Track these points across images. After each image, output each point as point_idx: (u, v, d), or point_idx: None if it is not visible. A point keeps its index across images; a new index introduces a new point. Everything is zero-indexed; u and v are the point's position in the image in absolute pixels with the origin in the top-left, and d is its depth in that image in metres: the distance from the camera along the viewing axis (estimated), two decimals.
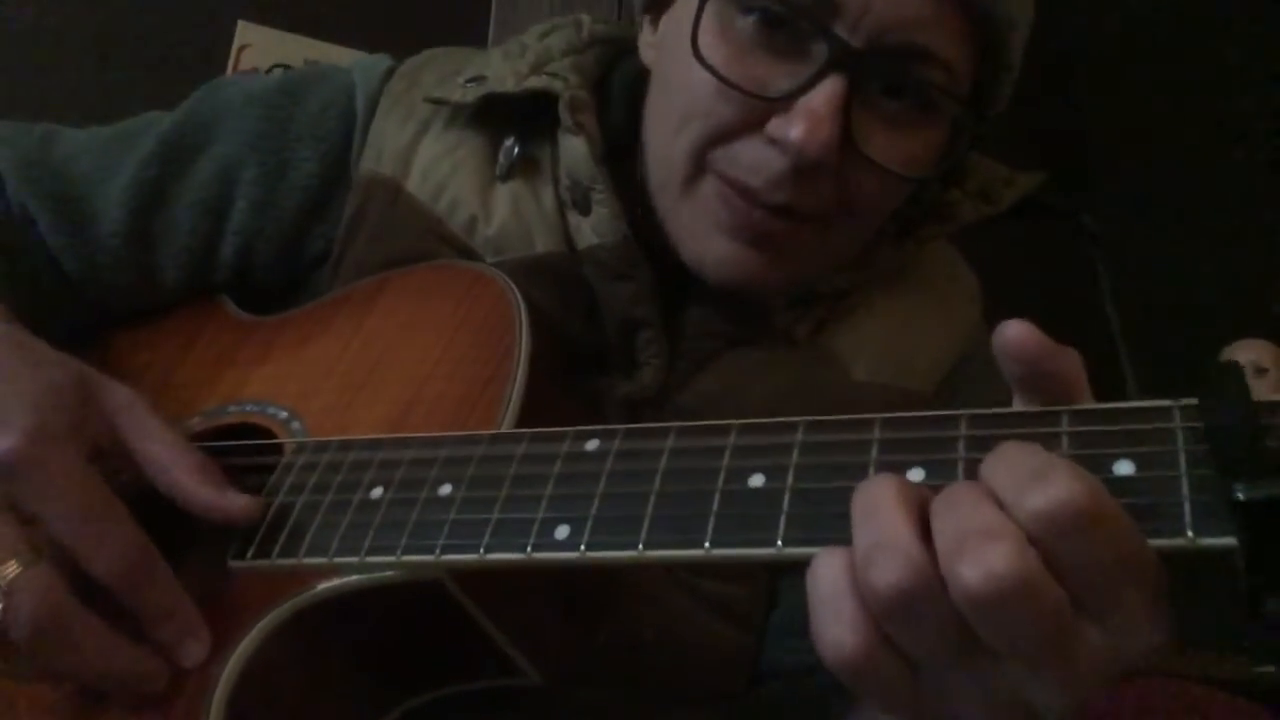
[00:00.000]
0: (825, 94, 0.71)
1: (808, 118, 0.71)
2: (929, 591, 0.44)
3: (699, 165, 0.77)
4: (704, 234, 0.79)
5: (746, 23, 0.74)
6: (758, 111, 0.74)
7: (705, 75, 0.74)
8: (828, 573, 0.46)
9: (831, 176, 0.74)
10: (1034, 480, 0.43)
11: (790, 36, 0.73)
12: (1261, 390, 0.48)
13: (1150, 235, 2.38)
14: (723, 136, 0.76)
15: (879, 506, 0.46)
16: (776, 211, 0.75)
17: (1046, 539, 0.43)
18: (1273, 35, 2.33)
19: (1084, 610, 0.44)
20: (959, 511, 0.44)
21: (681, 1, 0.79)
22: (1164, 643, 0.44)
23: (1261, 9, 2.35)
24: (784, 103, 0.72)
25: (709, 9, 0.75)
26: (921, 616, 0.44)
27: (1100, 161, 2.46)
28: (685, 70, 0.75)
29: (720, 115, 0.75)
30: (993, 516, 0.44)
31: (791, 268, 0.81)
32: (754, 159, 0.74)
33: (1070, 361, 0.50)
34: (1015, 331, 0.49)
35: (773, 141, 0.73)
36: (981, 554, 0.42)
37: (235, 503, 0.65)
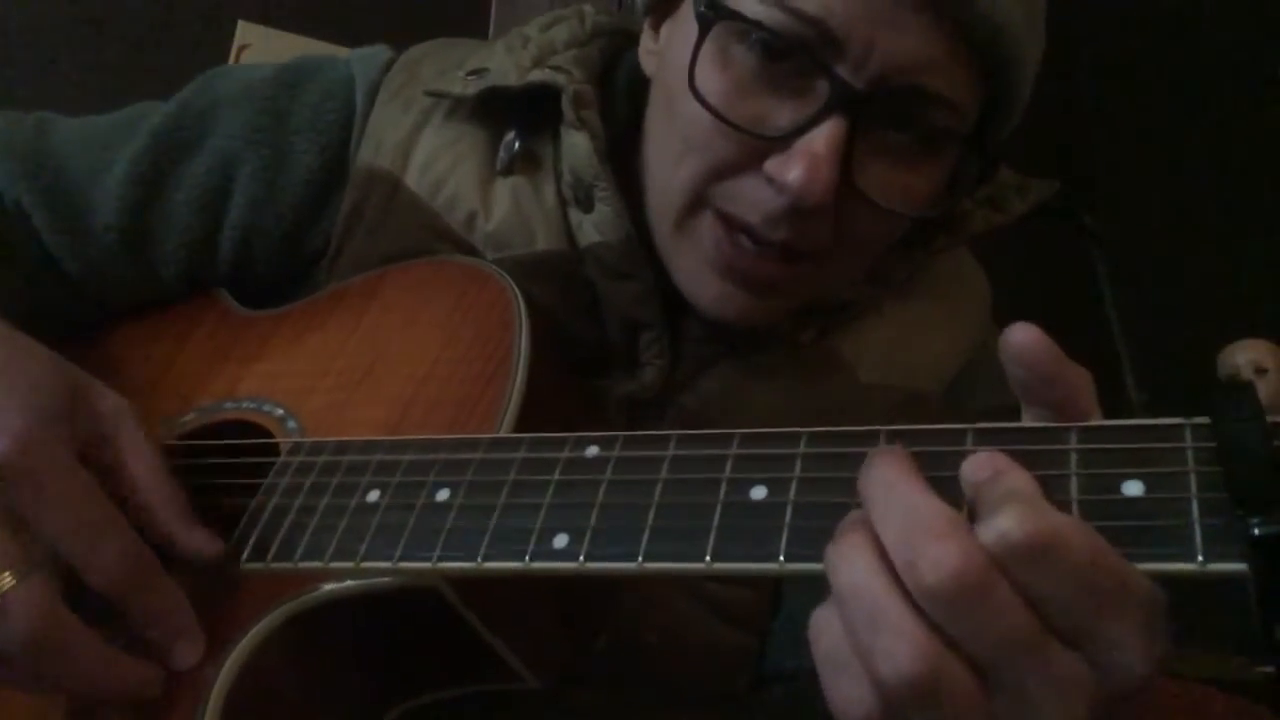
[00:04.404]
0: (825, 136, 0.69)
1: (807, 160, 0.69)
2: (947, 670, 0.42)
3: (698, 199, 0.76)
4: (698, 272, 0.78)
5: (747, 54, 0.72)
6: (757, 148, 0.72)
7: (703, 109, 0.72)
8: (855, 580, 0.44)
9: (830, 215, 0.72)
10: (995, 505, 0.43)
11: (792, 68, 0.71)
12: (1262, 390, 0.47)
13: (1150, 235, 2.38)
14: (722, 172, 0.74)
15: (878, 607, 0.44)
16: (774, 250, 0.74)
17: (1007, 566, 0.42)
18: (1274, 36, 2.32)
19: (1061, 635, 0.43)
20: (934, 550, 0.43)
21: (684, 15, 0.77)
22: (1156, 672, 0.43)
23: (1263, 10, 2.34)
24: (783, 141, 0.70)
25: (709, 38, 0.72)
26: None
27: (1100, 161, 2.46)
28: (684, 98, 0.73)
29: (719, 151, 0.73)
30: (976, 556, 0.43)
31: (787, 304, 0.80)
32: (753, 197, 0.73)
33: (1079, 378, 0.49)
34: (1020, 335, 0.48)
35: (771, 180, 0.71)
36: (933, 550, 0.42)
37: (198, 539, 0.65)
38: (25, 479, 0.59)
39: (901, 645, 0.43)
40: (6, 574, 0.57)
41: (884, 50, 0.69)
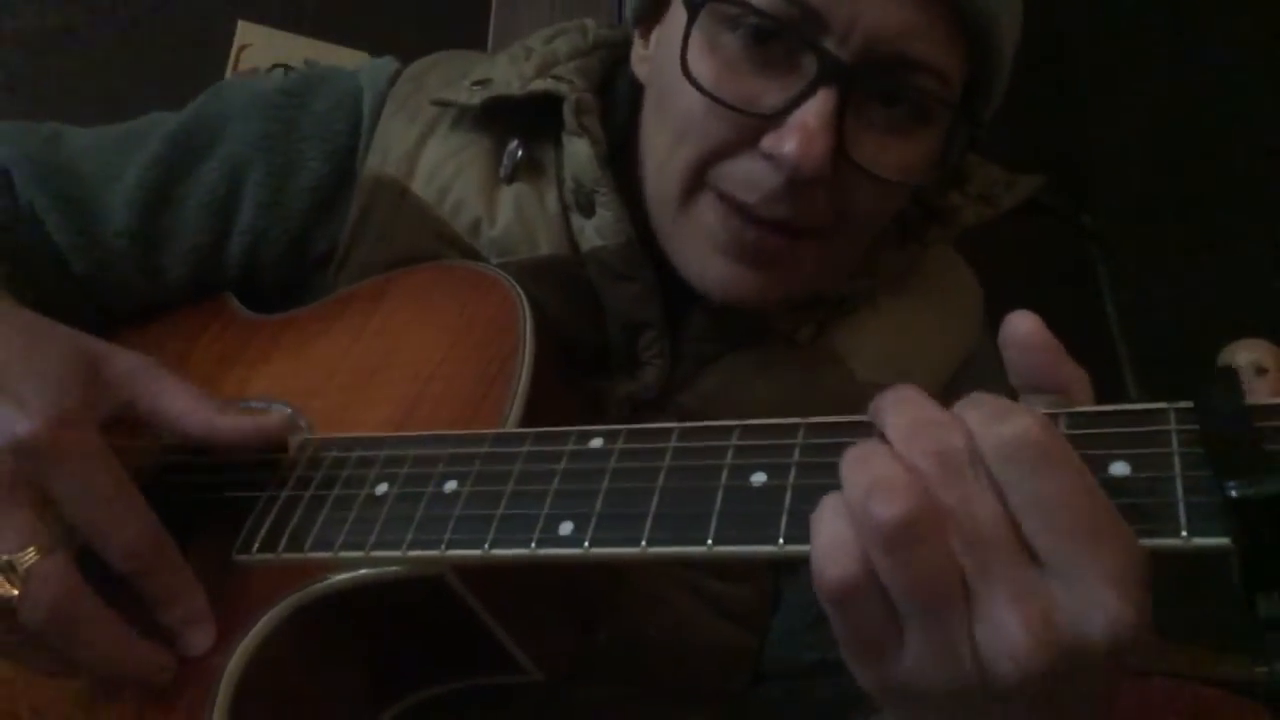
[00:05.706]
0: (816, 108, 0.71)
1: (800, 132, 0.71)
2: (930, 520, 0.45)
3: (697, 182, 0.77)
4: (703, 254, 0.79)
5: (734, 38, 0.74)
6: (751, 128, 0.74)
7: (696, 94, 0.74)
8: (831, 511, 0.48)
9: (827, 188, 0.74)
10: (999, 415, 0.46)
11: (779, 50, 0.73)
12: (1262, 390, 0.49)
13: (1150, 235, 2.38)
14: (718, 154, 0.75)
15: (872, 453, 0.48)
16: (775, 227, 0.75)
17: (1004, 470, 0.45)
18: (1272, 35, 2.33)
19: (1040, 558, 0.45)
20: (932, 432, 0.47)
21: (672, 17, 0.79)
22: (1136, 624, 0.43)
23: (1261, 8, 2.35)
24: (776, 118, 0.72)
25: (697, 27, 0.74)
26: (918, 544, 0.45)
27: (1100, 162, 2.46)
28: (677, 88, 0.75)
29: (714, 133, 0.75)
30: (961, 440, 0.47)
31: (793, 284, 0.81)
32: (750, 175, 0.74)
33: (1075, 373, 0.50)
34: (1023, 324, 0.50)
35: (767, 157, 0.73)
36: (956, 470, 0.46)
37: (270, 422, 0.69)
38: (52, 459, 0.60)
39: (896, 490, 0.45)
40: (30, 549, 0.58)
41: (867, 21, 0.71)
